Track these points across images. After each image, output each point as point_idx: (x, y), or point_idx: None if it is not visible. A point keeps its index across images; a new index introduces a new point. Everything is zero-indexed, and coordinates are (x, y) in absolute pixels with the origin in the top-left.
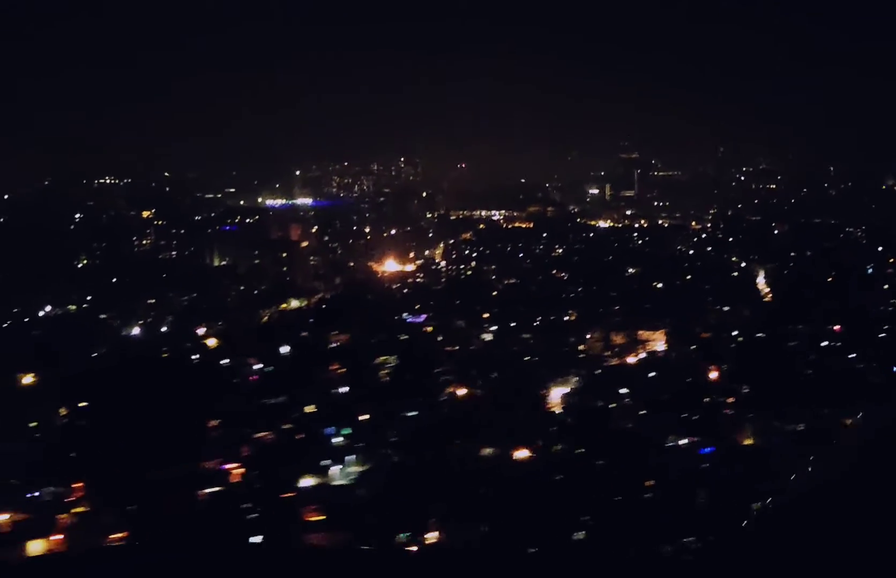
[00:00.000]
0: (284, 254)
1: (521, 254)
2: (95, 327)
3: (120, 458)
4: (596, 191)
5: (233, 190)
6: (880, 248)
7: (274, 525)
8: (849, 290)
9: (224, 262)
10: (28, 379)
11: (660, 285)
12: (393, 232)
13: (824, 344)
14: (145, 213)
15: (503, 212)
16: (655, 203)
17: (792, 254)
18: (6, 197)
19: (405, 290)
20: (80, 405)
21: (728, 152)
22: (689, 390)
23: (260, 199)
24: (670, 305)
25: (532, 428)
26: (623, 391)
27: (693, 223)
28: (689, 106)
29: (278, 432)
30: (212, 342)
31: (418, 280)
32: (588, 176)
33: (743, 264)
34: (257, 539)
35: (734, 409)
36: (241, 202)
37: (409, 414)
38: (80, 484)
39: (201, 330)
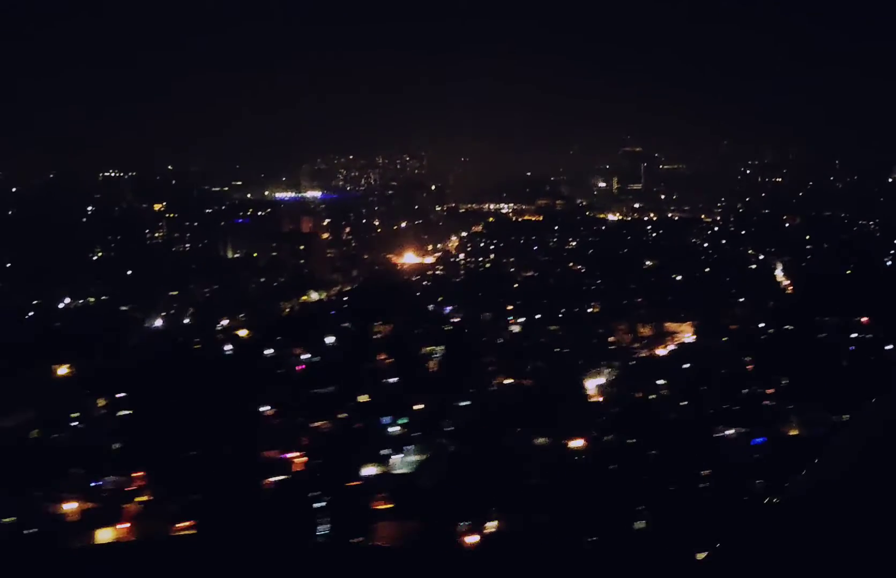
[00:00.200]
0: (302, 247)
1: (535, 248)
2: (119, 319)
3: (177, 447)
4: (603, 185)
5: (239, 183)
6: None
7: (343, 513)
8: (870, 283)
9: (237, 255)
10: (63, 371)
11: (679, 278)
12: (403, 224)
13: (853, 335)
14: (157, 206)
15: (511, 205)
16: (662, 196)
17: (808, 246)
18: (14, 190)
19: (425, 283)
20: (118, 396)
21: (731, 146)
22: (726, 381)
23: (267, 193)
24: (692, 298)
25: (582, 418)
26: (660, 382)
27: (703, 216)
28: (690, 106)
29: (335, 421)
30: (243, 333)
31: (438, 272)
32: (591, 170)
33: (761, 257)
34: (325, 528)
35: (774, 400)
36: (248, 195)
37: (462, 404)
38: (141, 473)
39: (224, 322)
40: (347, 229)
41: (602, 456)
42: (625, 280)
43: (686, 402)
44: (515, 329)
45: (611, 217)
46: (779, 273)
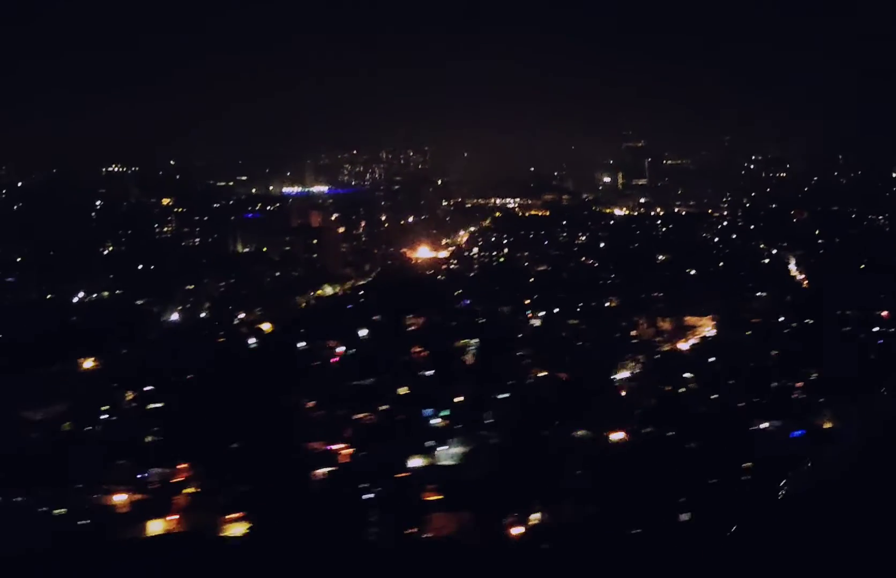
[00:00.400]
0: (314, 241)
1: (545, 242)
2: (135, 313)
3: (219, 440)
4: (608, 180)
5: (244, 178)
6: None
7: (394, 504)
8: (886, 277)
9: (248, 249)
10: (88, 364)
11: (693, 272)
12: (411, 219)
13: (875, 329)
14: (165, 201)
15: (517, 199)
16: (668, 191)
17: (819, 241)
18: (20, 184)
19: (440, 277)
20: (146, 389)
21: (734, 141)
22: (754, 375)
23: (272, 187)
24: (709, 292)
25: (617, 411)
26: (686, 375)
27: (710, 210)
28: (692, 101)
29: (377, 413)
30: (266, 326)
31: (452, 266)
32: (594, 165)
33: (773, 251)
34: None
35: (805, 393)
36: (254, 190)
37: (501, 396)
38: (186, 465)
39: (242, 315)
40: (357, 224)
41: (642, 448)
42: (639, 274)
43: (716, 396)
44: (536, 322)
45: (617, 211)
46: (792, 267)
